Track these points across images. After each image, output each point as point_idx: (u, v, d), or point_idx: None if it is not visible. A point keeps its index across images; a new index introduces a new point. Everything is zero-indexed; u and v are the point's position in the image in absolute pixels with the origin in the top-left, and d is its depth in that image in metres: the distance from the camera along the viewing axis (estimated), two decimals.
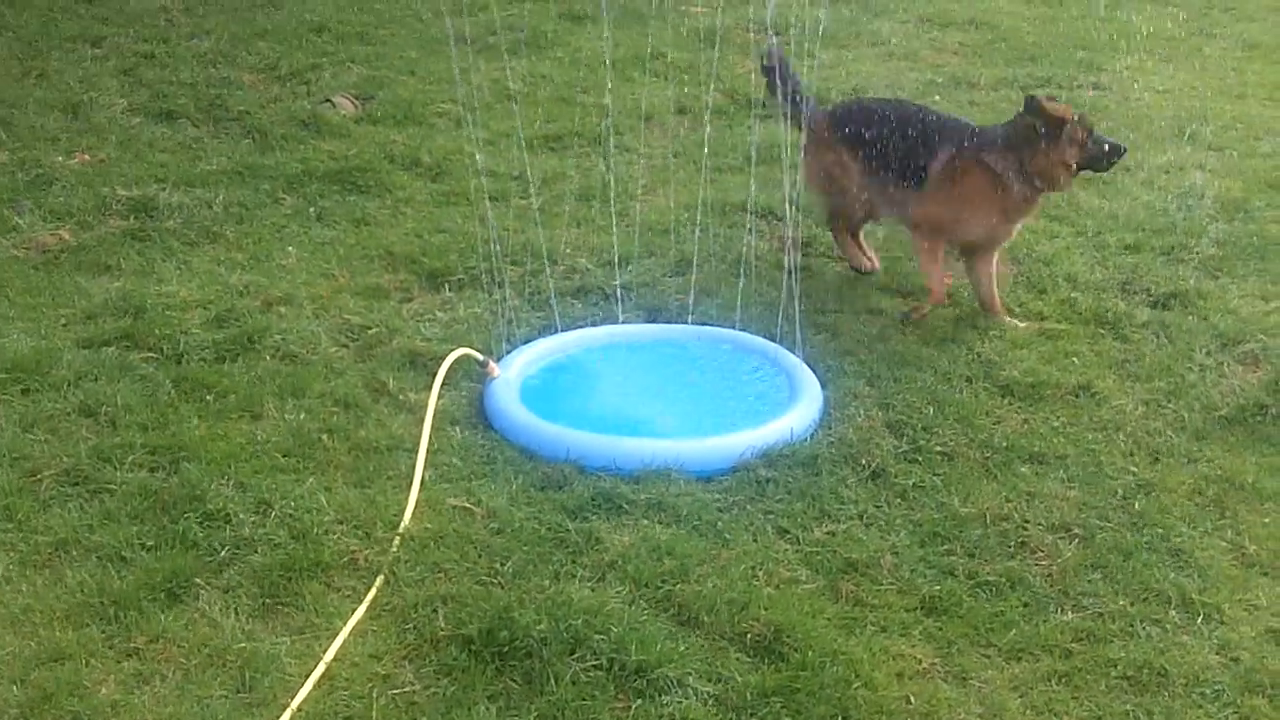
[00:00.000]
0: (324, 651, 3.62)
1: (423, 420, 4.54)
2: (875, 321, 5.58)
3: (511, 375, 4.94)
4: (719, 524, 4.22)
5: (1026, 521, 4.27)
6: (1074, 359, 5.29)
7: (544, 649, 3.58)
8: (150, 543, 4.03)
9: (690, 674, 3.55)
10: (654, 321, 5.53)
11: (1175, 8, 10.73)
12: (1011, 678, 3.67)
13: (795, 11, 8.43)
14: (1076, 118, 5.42)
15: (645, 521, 4.20)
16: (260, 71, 8.51)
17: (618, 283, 5.66)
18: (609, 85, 7.69)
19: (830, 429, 4.73)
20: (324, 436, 4.60)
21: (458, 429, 4.71)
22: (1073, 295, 5.81)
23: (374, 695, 3.50)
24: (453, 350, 4.87)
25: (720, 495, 4.37)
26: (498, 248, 5.65)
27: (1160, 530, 4.26)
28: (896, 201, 5.75)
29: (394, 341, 5.26)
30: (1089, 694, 3.61)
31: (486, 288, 5.65)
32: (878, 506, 4.34)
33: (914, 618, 3.87)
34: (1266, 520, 4.36)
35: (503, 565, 3.97)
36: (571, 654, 3.58)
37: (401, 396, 4.89)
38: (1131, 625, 3.85)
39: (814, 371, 5.03)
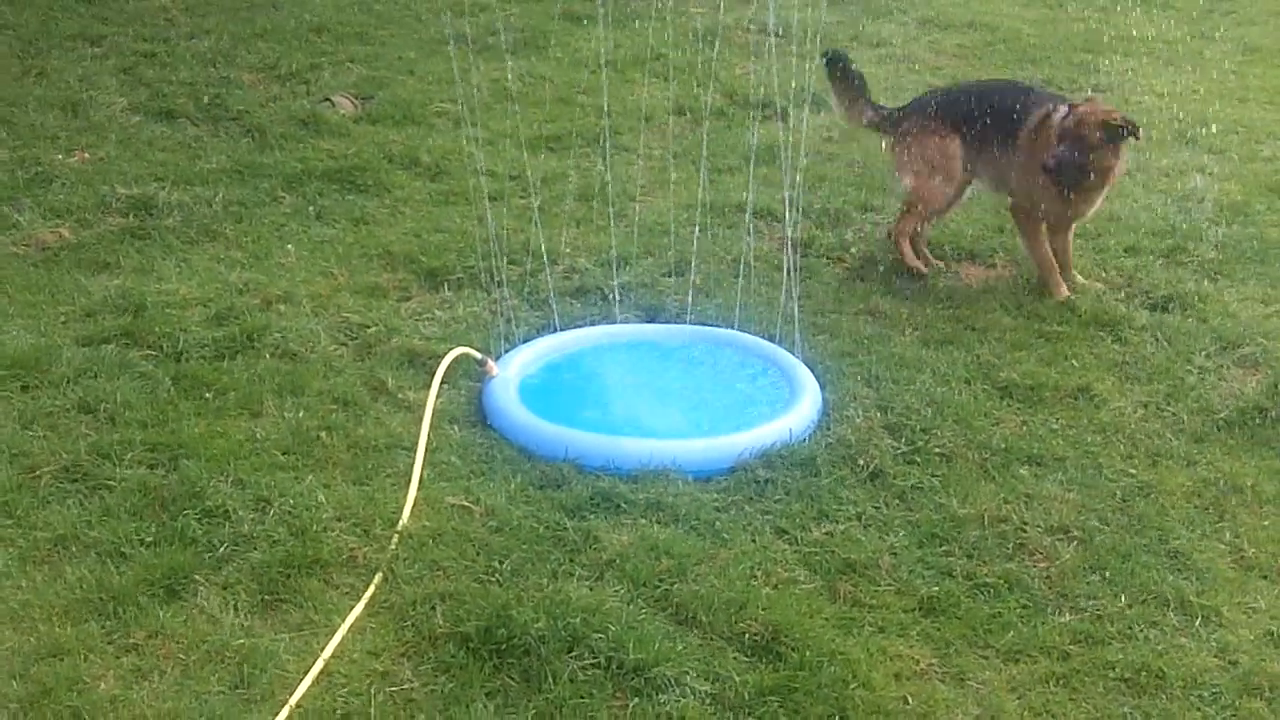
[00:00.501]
0: (322, 648, 3.63)
1: (421, 418, 4.54)
2: (874, 323, 5.58)
3: (510, 374, 4.94)
4: (717, 524, 4.22)
5: (1025, 523, 4.27)
6: (1073, 361, 5.29)
7: (542, 647, 3.58)
8: (149, 539, 4.03)
9: (688, 673, 3.56)
10: (652, 321, 5.53)
11: (1176, 10, 10.74)
12: (1009, 679, 3.67)
13: (795, 13, 8.45)
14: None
15: (643, 521, 4.20)
16: (260, 71, 8.51)
17: (616, 283, 5.67)
18: (608, 85, 7.70)
19: (829, 430, 4.73)
20: (323, 434, 4.60)
21: (456, 427, 4.72)
22: (1072, 297, 5.81)
23: (372, 692, 3.50)
24: (451, 349, 4.87)
25: (718, 495, 4.37)
26: (496, 247, 5.66)
27: (1159, 533, 4.27)
28: (1001, 172, 5.90)
29: (393, 340, 5.27)
30: (1087, 696, 3.62)
31: (485, 287, 5.65)
32: (876, 507, 4.34)
33: (912, 618, 3.87)
34: (1265, 523, 4.36)
35: (501, 563, 3.97)
36: (569, 652, 3.58)
37: (400, 395, 4.89)
38: (1130, 627, 3.85)
39: (813, 372, 5.03)
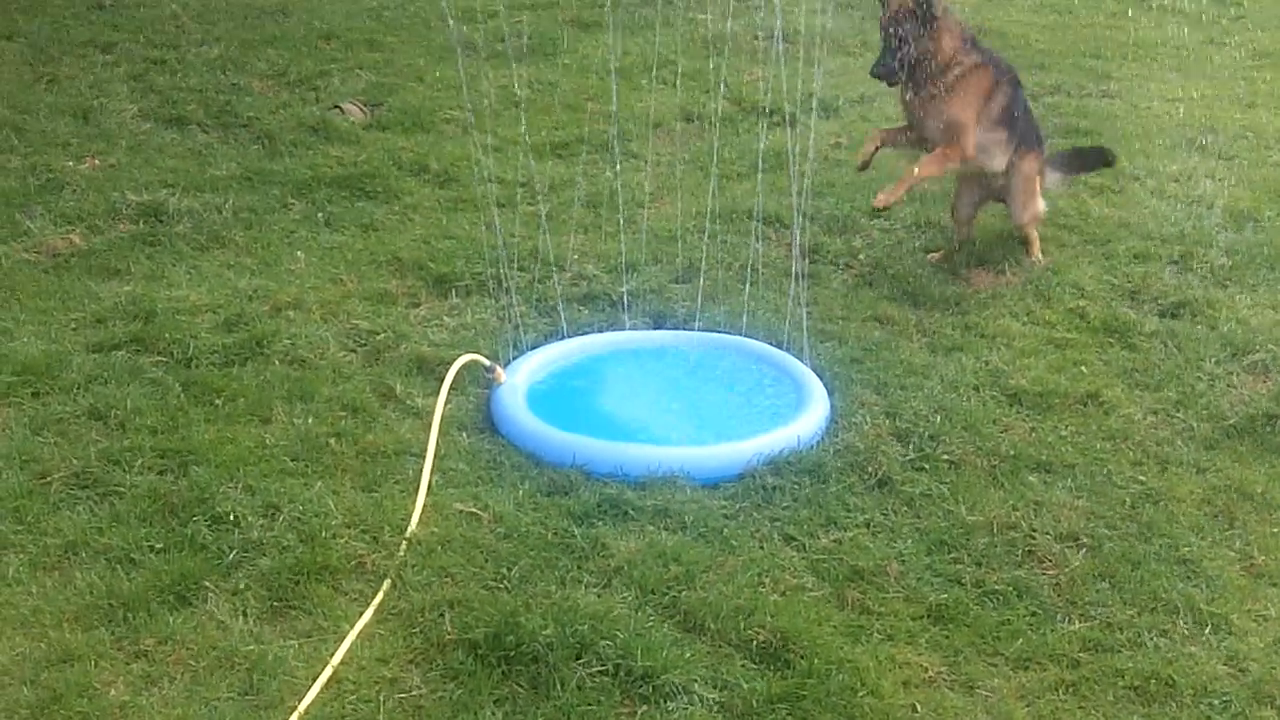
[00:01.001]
0: (331, 655, 3.63)
1: (430, 425, 4.54)
2: (882, 329, 5.57)
3: (518, 381, 4.95)
4: (725, 531, 4.22)
5: (1034, 530, 4.26)
6: (1082, 368, 5.29)
7: (550, 654, 3.58)
8: (159, 545, 4.04)
9: (696, 680, 3.56)
10: (661, 328, 5.53)
11: (1185, 16, 10.73)
12: (1018, 687, 3.66)
13: (803, 19, 8.45)
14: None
15: (651, 528, 4.20)
16: (269, 78, 8.53)
17: (625, 289, 5.67)
18: (616, 92, 7.71)
19: (837, 437, 4.73)
20: (332, 441, 4.61)
21: (465, 434, 4.72)
22: (1081, 304, 5.81)
23: (381, 699, 3.51)
24: (460, 356, 4.88)
25: (726, 502, 4.37)
26: (505, 254, 5.66)
27: (1168, 540, 4.26)
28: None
29: (401, 347, 5.27)
30: (1096, 704, 3.61)
31: (494, 294, 5.66)
32: (884, 514, 4.34)
33: (920, 626, 3.87)
34: (1275, 530, 4.36)
35: (509, 570, 3.98)
36: (577, 659, 3.58)
37: (409, 401, 4.89)
38: (1139, 635, 3.84)
39: (821, 379, 5.03)
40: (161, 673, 3.58)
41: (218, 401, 4.83)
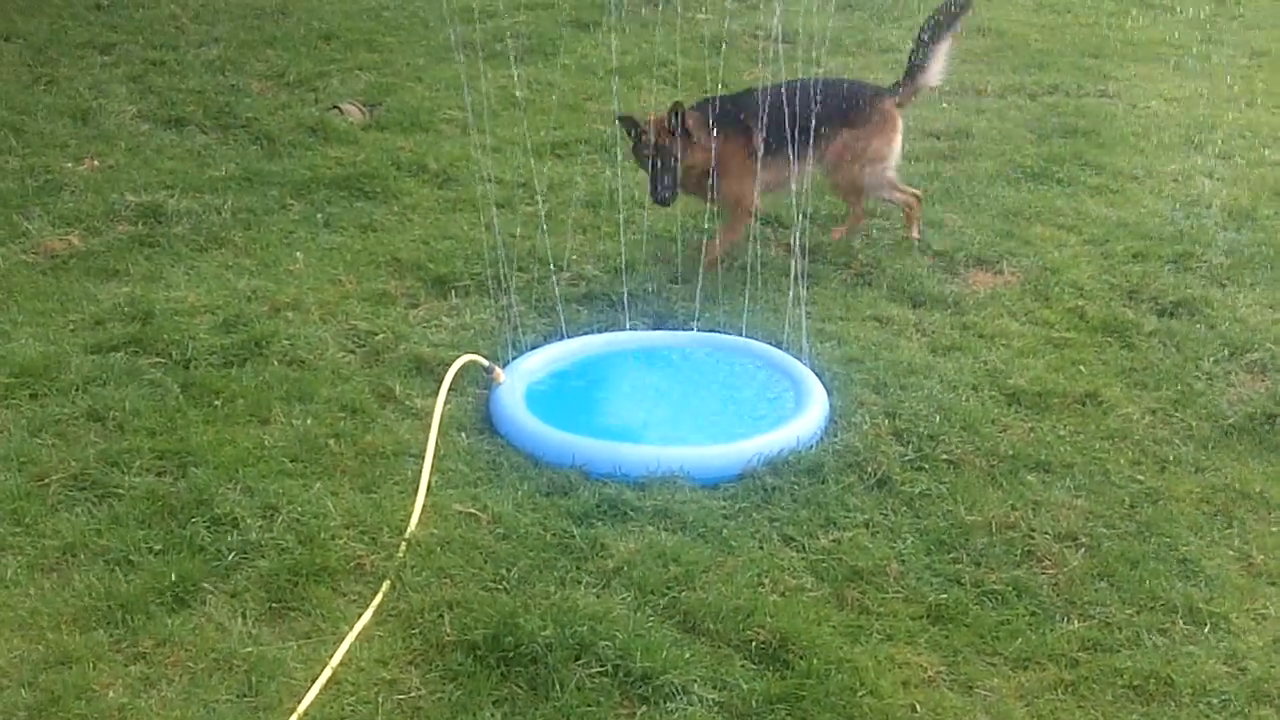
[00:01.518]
0: (330, 656, 3.63)
1: (429, 426, 4.54)
2: (881, 329, 5.57)
3: (517, 381, 4.95)
4: (724, 531, 4.22)
5: (1033, 530, 4.26)
6: (1081, 367, 5.29)
7: (549, 655, 3.58)
8: (158, 547, 4.04)
9: (695, 681, 3.56)
10: (660, 328, 5.53)
11: (1183, 16, 10.73)
12: (1018, 686, 3.67)
13: (803, 19, 8.46)
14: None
15: (650, 528, 4.20)
16: (268, 79, 8.53)
17: (624, 289, 5.67)
18: (616, 92, 7.71)
19: (836, 436, 4.73)
20: (331, 442, 4.61)
21: (464, 435, 4.72)
22: (1080, 303, 5.81)
23: (380, 700, 3.51)
24: (459, 356, 4.88)
25: (726, 502, 4.37)
26: (504, 254, 5.66)
27: (1167, 539, 4.26)
28: None
29: (401, 347, 5.27)
30: (1095, 703, 3.61)
31: (493, 294, 5.66)
32: (884, 514, 4.34)
33: (920, 626, 3.87)
34: (1274, 530, 4.36)
35: (508, 571, 3.98)
36: (576, 660, 3.59)
37: (408, 402, 4.89)
38: (1138, 635, 3.84)
39: (820, 379, 5.03)
40: (160, 674, 3.57)
41: (216, 402, 4.83)
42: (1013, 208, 6.81)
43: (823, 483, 4.45)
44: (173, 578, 3.89)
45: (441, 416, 4.60)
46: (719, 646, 3.72)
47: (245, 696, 3.52)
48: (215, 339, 5.25)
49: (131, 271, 5.91)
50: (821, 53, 7.90)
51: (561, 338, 5.37)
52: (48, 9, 9.78)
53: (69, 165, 7.03)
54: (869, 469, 4.52)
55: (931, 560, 4.13)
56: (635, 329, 5.49)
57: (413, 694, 3.54)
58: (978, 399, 5.01)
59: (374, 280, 5.89)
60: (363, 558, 4.03)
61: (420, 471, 4.37)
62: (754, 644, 3.71)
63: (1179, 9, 10.93)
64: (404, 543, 4.08)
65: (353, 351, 5.27)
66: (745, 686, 3.56)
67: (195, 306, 5.53)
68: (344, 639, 3.69)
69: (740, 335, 5.41)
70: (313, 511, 4.20)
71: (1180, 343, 5.47)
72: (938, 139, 7.80)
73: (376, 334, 5.36)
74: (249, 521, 4.13)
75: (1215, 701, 3.61)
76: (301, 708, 3.46)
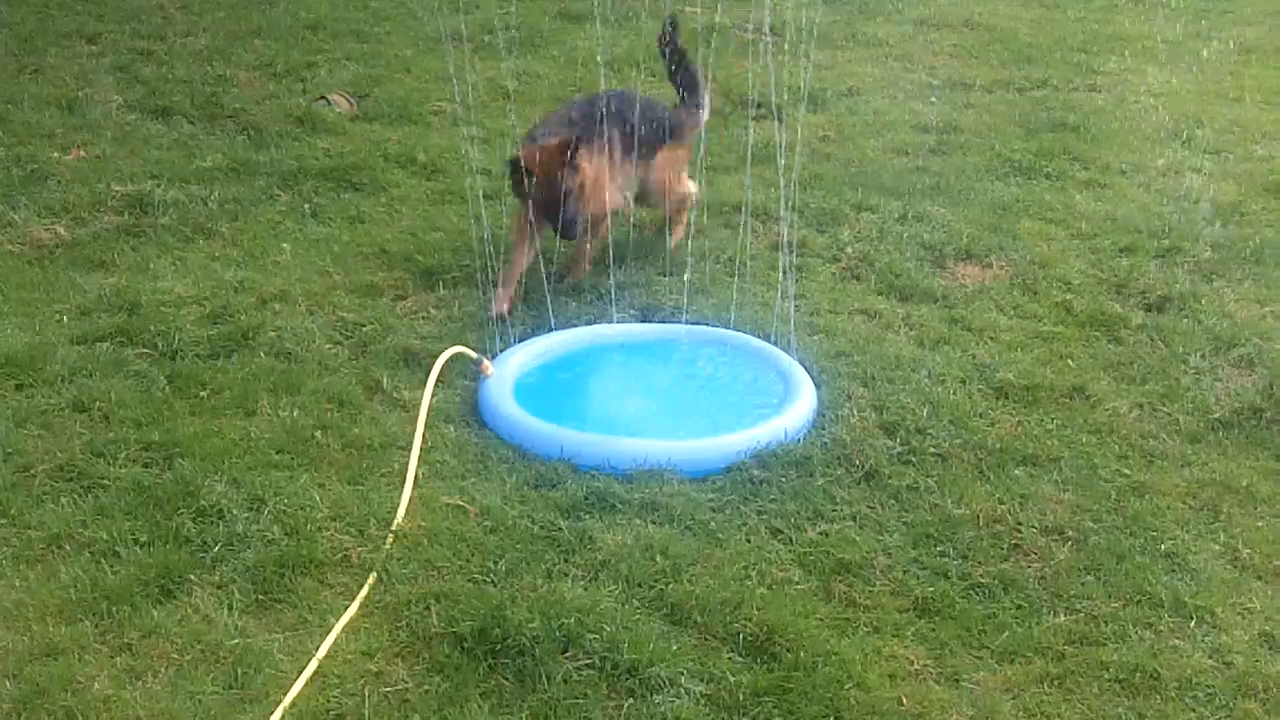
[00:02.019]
0: (316, 648, 3.62)
1: (416, 418, 4.54)
2: (869, 322, 5.57)
3: (505, 374, 4.94)
4: (712, 524, 4.22)
5: (1020, 524, 4.27)
6: (1068, 361, 5.29)
7: (536, 647, 3.58)
8: (143, 538, 4.03)
9: (682, 674, 3.56)
10: (648, 321, 5.53)
11: (1172, 10, 10.74)
12: (1004, 680, 3.67)
13: (790, 12, 8.44)
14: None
15: (638, 521, 4.20)
16: (256, 69, 8.50)
17: (612, 282, 5.66)
18: (604, 84, 7.69)
19: (824, 430, 4.73)
20: (318, 433, 4.60)
21: (451, 427, 4.71)
22: (1068, 298, 5.81)
23: (366, 692, 3.50)
24: (447, 348, 4.87)
25: (713, 495, 4.37)
26: (492, 246, 5.65)
27: (1154, 533, 4.27)
28: None
29: (388, 339, 5.26)
30: (1081, 697, 3.62)
31: (481, 286, 5.65)
32: (871, 507, 4.34)
33: (907, 619, 3.87)
34: (1260, 524, 4.37)
35: (495, 563, 3.97)
36: (564, 653, 3.59)
37: (395, 394, 4.88)
38: (1124, 628, 3.85)
39: (808, 372, 5.03)
40: (145, 666, 3.57)
41: (203, 394, 4.82)
42: (1001, 202, 6.81)
43: (810, 476, 4.45)
44: (158, 569, 3.88)
45: (429, 408, 4.59)
46: (706, 639, 3.72)
47: (231, 688, 3.51)
48: (202, 330, 5.24)
49: (118, 262, 5.89)
50: (810, 46, 7.90)
51: (550, 330, 5.36)
52: None
53: (55, 155, 7.00)
54: (857, 462, 4.53)
55: (919, 553, 4.13)
56: (622, 322, 5.48)
57: (399, 686, 3.53)
58: (965, 393, 5.02)
59: (362, 272, 5.88)
60: (349, 549, 4.02)
61: (407, 463, 4.37)
62: (741, 636, 3.72)
63: (1168, 3, 10.94)
64: (391, 535, 4.08)
65: (340, 343, 5.25)
66: (732, 679, 3.56)
67: (182, 297, 5.51)
68: (330, 631, 3.68)
69: (728, 328, 5.40)
70: (299, 503, 4.19)
71: (1167, 337, 5.48)
72: (926, 133, 7.80)
73: (364, 325, 5.35)
74: (235, 513, 4.12)
75: (1201, 695, 3.62)
76: (288, 700, 3.45)
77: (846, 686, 3.56)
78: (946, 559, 4.12)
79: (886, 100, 8.37)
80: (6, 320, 5.32)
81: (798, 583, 3.98)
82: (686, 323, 5.46)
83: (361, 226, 6.38)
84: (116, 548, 3.99)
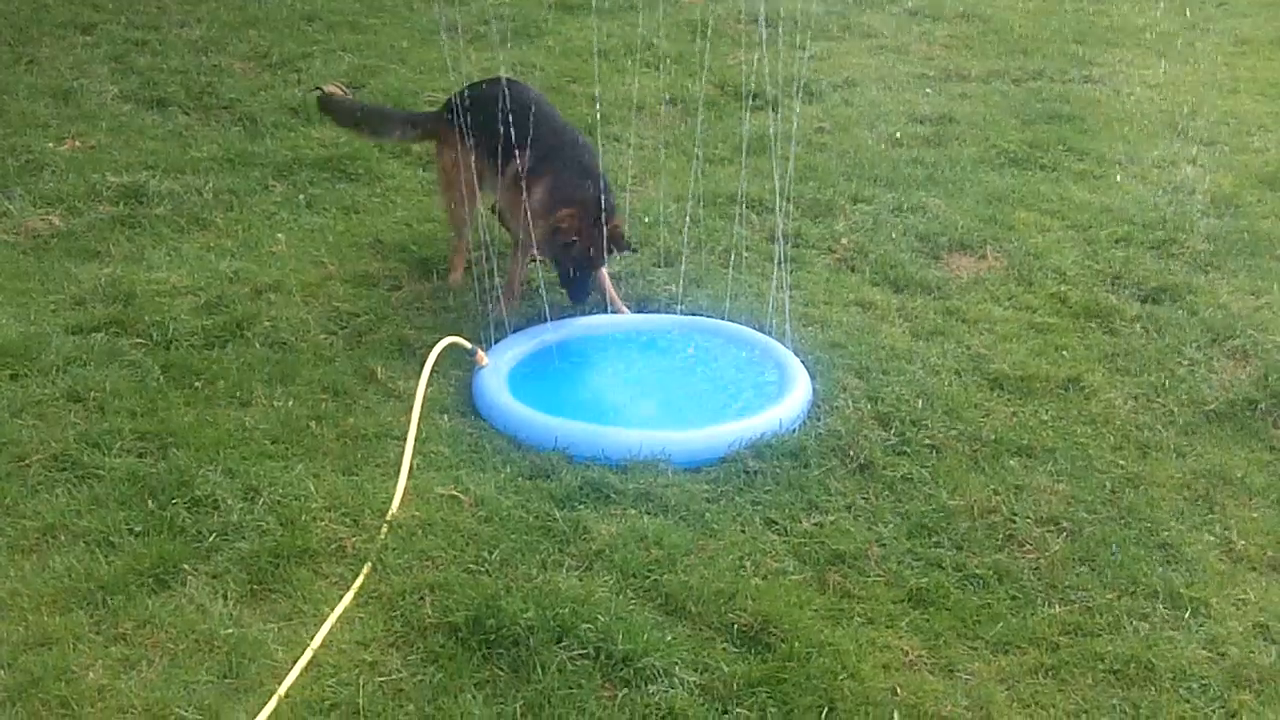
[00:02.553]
0: (311, 638, 3.62)
1: (411, 408, 4.53)
2: (864, 314, 5.57)
3: (500, 364, 4.93)
4: (707, 514, 4.22)
5: (1014, 514, 4.27)
6: (1063, 352, 5.30)
7: (531, 637, 3.58)
8: (138, 528, 4.03)
9: (677, 663, 3.56)
10: (642, 311, 5.52)
11: (1167, 2, 10.73)
12: (998, 670, 3.68)
13: (785, 3, 8.44)
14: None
15: (633, 511, 4.20)
16: (251, 59, 8.48)
17: (607, 272, 5.65)
18: (599, 75, 7.68)
19: (819, 421, 4.73)
20: (312, 424, 4.60)
21: (446, 417, 4.71)
22: (1063, 289, 5.82)
23: (361, 682, 3.50)
24: (441, 338, 4.86)
25: (708, 486, 4.37)
26: (487, 237, 5.64)
27: (1148, 524, 4.27)
28: None
29: (383, 329, 5.26)
30: (1076, 687, 3.63)
31: (475, 276, 5.64)
32: (865, 498, 4.34)
33: (901, 609, 3.88)
34: (1254, 515, 4.37)
35: (490, 554, 3.97)
36: (558, 642, 3.59)
37: (390, 384, 4.88)
38: (1119, 619, 3.86)
39: (803, 363, 5.03)
40: (140, 656, 3.57)
41: (197, 384, 4.81)
42: (996, 193, 6.81)
43: (805, 466, 4.46)
44: (153, 559, 3.88)
45: (424, 399, 4.59)
46: (700, 629, 3.72)
47: (226, 678, 3.51)
48: (196, 320, 5.23)
49: (113, 252, 5.88)
50: (805, 37, 7.89)
51: (544, 321, 5.36)
52: None
53: (50, 145, 6.99)
54: (851, 453, 4.53)
55: (913, 544, 4.14)
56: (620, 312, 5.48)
57: (394, 676, 3.53)
58: (960, 384, 5.02)
59: (356, 262, 5.87)
60: (344, 540, 4.02)
61: (402, 453, 4.36)
62: (735, 627, 3.72)
63: None
64: (385, 525, 4.08)
65: (335, 333, 5.25)
66: (726, 669, 3.57)
67: (177, 287, 5.51)
68: (325, 621, 3.68)
69: (723, 319, 5.40)
70: (294, 493, 4.19)
71: (1162, 328, 5.49)
72: (921, 124, 7.80)
73: (359, 316, 5.35)
74: (230, 503, 4.12)
75: (1195, 686, 3.63)
76: (282, 689, 3.45)
77: (840, 677, 3.56)
78: (941, 550, 4.12)
79: (882, 91, 8.36)
80: (1, 310, 5.31)
81: (792, 573, 3.98)
82: (681, 313, 5.46)
83: (356, 217, 6.37)
84: (111, 537, 3.98)
